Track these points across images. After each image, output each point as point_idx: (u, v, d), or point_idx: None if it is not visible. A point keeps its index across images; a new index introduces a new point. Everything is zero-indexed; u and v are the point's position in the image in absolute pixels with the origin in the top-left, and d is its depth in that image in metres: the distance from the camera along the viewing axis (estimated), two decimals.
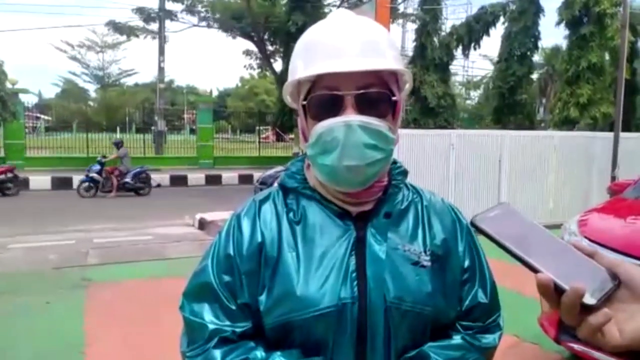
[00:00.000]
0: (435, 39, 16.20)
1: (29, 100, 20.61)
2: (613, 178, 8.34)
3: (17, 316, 4.33)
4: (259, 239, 0.91)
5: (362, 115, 0.84)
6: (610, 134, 9.28)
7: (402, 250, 0.91)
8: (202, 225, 8.62)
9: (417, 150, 7.85)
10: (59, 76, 37.86)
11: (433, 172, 7.97)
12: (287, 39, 16.34)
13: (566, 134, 9.76)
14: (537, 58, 20.83)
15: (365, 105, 0.85)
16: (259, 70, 23.88)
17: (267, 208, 0.95)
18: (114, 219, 9.38)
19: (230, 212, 1.02)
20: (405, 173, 0.99)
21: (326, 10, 18.09)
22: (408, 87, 0.95)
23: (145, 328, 4.07)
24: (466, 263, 0.97)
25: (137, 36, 21.88)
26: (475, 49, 16.99)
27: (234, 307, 0.89)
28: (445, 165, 8.07)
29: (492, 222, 0.61)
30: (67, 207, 10.88)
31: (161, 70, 21.42)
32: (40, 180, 14.26)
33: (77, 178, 13.22)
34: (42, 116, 26.26)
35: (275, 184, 1.01)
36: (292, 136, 22.24)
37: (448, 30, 17.05)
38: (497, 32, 16.63)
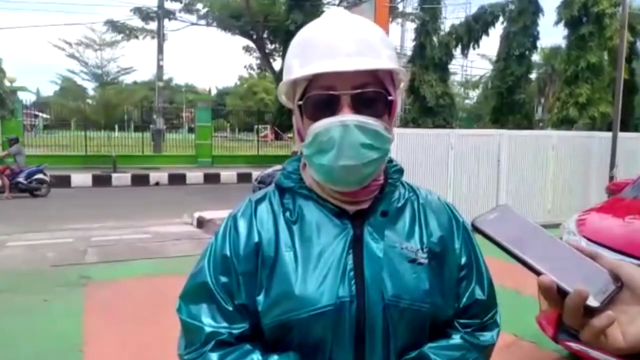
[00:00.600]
0: (435, 39, 16.23)
1: (27, 98, 20.61)
2: (611, 177, 8.35)
3: (15, 314, 4.32)
4: (256, 239, 0.91)
5: (359, 115, 0.84)
6: (609, 134, 9.30)
7: (399, 248, 0.91)
8: (201, 223, 8.61)
9: (416, 149, 7.85)
10: (57, 74, 37.64)
11: (432, 172, 7.97)
12: (286, 38, 16.31)
13: (565, 134, 9.76)
14: (535, 58, 20.88)
15: (361, 105, 0.85)
16: (259, 70, 23.87)
17: (264, 208, 0.95)
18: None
19: (228, 210, 1.01)
20: (401, 171, 0.99)
21: (325, 9, 18.06)
22: (403, 85, 0.95)
23: (143, 326, 4.07)
24: (463, 260, 0.97)
25: (137, 37, 21.84)
26: (474, 48, 17.06)
27: (231, 309, 0.88)
28: (444, 164, 8.07)
29: (493, 225, 0.60)
30: None
31: (160, 68, 21.34)
32: None
33: (75, 176, 12.79)
34: (41, 114, 26.18)
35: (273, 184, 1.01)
36: (290, 135, 22.20)
37: (447, 29, 17.07)
38: (496, 31, 16.70)
